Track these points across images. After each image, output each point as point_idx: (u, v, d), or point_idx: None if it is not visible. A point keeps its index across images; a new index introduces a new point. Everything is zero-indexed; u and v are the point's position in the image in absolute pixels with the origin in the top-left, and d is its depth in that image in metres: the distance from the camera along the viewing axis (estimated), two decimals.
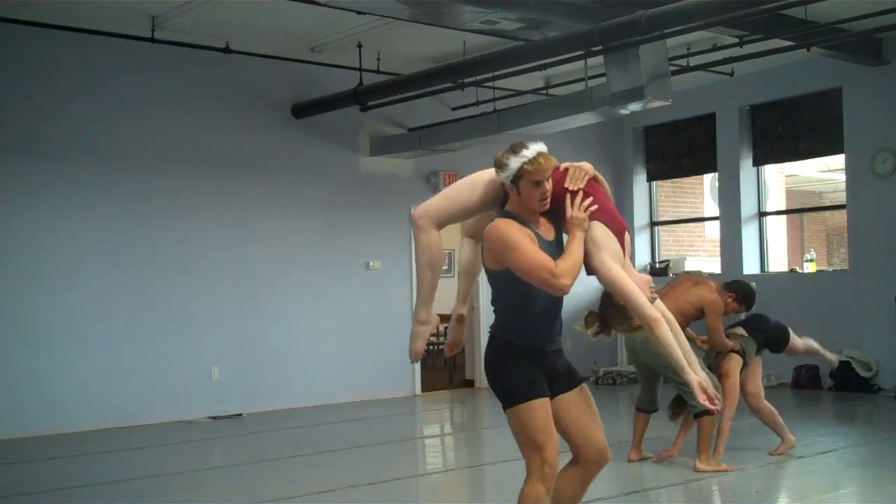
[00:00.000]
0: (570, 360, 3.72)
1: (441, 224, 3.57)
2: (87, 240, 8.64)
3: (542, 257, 3.34)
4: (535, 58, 8.01)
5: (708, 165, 11.78)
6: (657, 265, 12.20)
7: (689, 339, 6.57)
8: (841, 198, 11.23)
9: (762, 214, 11.26)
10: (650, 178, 12.47)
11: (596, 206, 3.48)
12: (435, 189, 10.41)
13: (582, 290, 3.46)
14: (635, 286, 3.40)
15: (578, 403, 3.60)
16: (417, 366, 10.66)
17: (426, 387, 10.94)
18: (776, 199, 12.81)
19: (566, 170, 3.53)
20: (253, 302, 9.58)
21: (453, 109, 10.76)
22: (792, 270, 11.19)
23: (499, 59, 8.25)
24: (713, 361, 6.53)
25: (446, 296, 3.87)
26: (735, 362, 6.44)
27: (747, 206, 11.13)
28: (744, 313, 6.99)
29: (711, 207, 13.03)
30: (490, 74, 8.89)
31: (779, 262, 11.82)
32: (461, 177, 3.75)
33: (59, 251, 8.48)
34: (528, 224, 3.46)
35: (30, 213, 8.37)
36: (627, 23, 6.98)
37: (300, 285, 9.92)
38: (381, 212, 10.54)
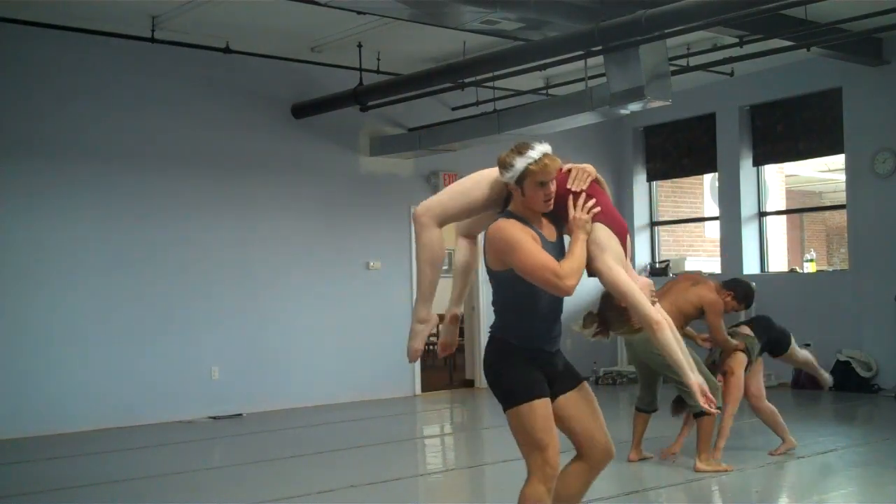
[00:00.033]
0: (571, 361, 3.72)
1: (443, 222, 3.56)
2: (87, 240, 8.64)
3: (546, 258, 3.33)
4: (535, 58, 8.01)
5: (708, 165, 11.78)
6: (657, 265, 12.21)
7: (690, 337, 6.63)
8: (841, 198, 11.23)
9: (762, 214, 11.26)
10: (650, 178, 12.47)
11: (599, 208, 3.48)
12: (435, 189, 10.40)
13: (581, 291, 3.45)
14: (638, 288, 3.40)
15: (580, 402, 3.60)
16: (417, 366, 10.67)
17: (426, 387, 10.94)
18: (776, 199, 12.81)
19: (568, 171, 3.54)
20: (253, 302, 9.58)
21: (453, 109, 10.76)
22: (792, 270, 11.19)
23: (499, 59, 8.24)
24: (718, 359, 6.54)
25: (446, 296, 3.86)
26: (740, 360, 6.45)
27: (747, 206, 11.13)
28: (744, 312, 6.99)
29: (711, 207, 13.03)
30: (490, 74, 8.89)
31: (779, 262, 11.83)
32: (461, 177, 3.74)
33: (59, 251, 8.48)
34: (532, 224, 3.46)
35: (30, 213, 8.37)
36: (627, 23, 6.98)
37: (300, 285, 9.92)
38: (381, 212, 10.54)
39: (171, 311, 9.06)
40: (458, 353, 12.15)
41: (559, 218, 3.54)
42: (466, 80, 9.11)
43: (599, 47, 7.49)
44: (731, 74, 10.20)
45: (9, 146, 8.29)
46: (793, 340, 6.81)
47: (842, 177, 10.96)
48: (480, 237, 3.85)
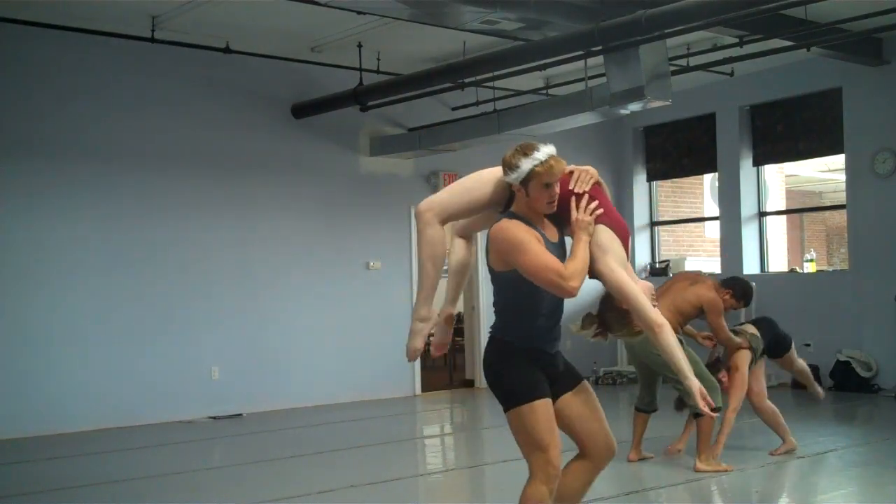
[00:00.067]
0: (571, 361, 3.72)
1: (446, 219, 3.54)
2: (87, 240, 8.64)
3: (550, 259, 3.33)
4: (535, 58, 8.01)
5: (708, 165, 11.78)
6: (657, 265, 12.20)
7: (690, 335, 6.63)
8: (841, 198, 11.23)
9: (762, 214, 11.26)
10: (650, 178, 12.47)
11: (601, 210, 3.48)
12: (434, 189, 10.40)
13: (580, 293, 3.45)
14: (640, 291, 3.41)
15: (581, 402, 3.61)
16: (417, 366, 10.68)
17: (426, 387, 10.94)
18: (776, 199, 12.81)
19: (570, 172, 3.53)
20: (253, 302, 9.58)
21: (453, 109, 10.76)
22: (792, 270, 11.19)
23: (499, 59, 8.24)
24: (723, 355, 6.55)
25: (442, 296, 3.85)
26: (744, 356, 6.45)
27: (747, 206, 11.13)
28: (744, 311, 7.00)
29: (711, 207, 13.03)
30: (490, 74, 8.89)
31: (779, 262, 11.83)
32: (461, 177, 3.73)
33: (59, 251, 8.48)
34: (535, 225, 3.45)
35: (30, 213, 8.37)
36: (627, 23, 6.98)
37: (300, 285, 9.92)
38: (381, 212, 10.54)
39: (171, 311, 9.06)
40: (458, 353, 12.18)
41: (561, 219, 3.54)
42: (466, 80, 9.10)
43: (599, 47, 7.48)
44: (731, 74, 10.20)
45: (9, 146, 8.29)
46: (793, 345, 6.83)
47: (842, 177, 10.96)
48: (479, 237, 3.85)
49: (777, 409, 6.66)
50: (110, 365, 8.65)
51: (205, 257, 9.30)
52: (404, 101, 9.76)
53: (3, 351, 8.16)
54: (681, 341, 5.82)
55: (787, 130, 10.84)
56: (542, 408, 3.45)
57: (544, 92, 10.78)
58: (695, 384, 3.42)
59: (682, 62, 9.26)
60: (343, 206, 10.28)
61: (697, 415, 6.06)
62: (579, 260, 3.36)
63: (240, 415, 9.27)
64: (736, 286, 6.62)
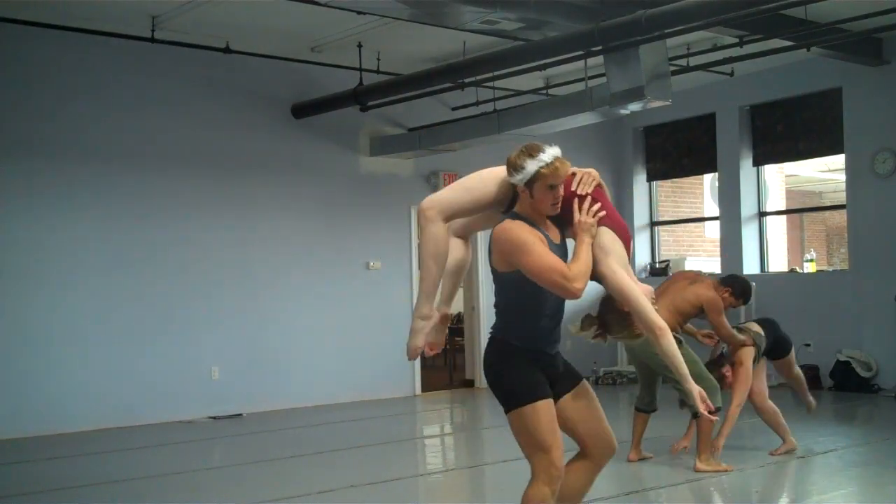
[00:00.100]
0: (571, 361, 3.72)
1: (449, 217, 3.52)
2: (87, 240, 8.64)
3: (554, 260, 3.33)
4: (535, 58, 8.01)
5: (708, 165, 11.78)
6: (657, 265, 12.20)
7: (691, 334, 6.64)
8: (841, 198, 11.23)
9: (762, 214, 11.26)
10: (650, 178, 12.47)
11: (604, 212, 3.48)
12: (434, 189, 10.40)
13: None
14: (642, 293, 3.41)
15: (582, 402, 3.61)
16: (417, 366, 10.68)
17: (426, 387, 10.94)
18: (776, 199, 12.81)
19: (573, 174, 3.53)
20: (253, 302, 9.58)
21: (453, 109, 10.76)
22: (792, 270, 11.19)
23: (499, 59, 8.24)
24: (727, 350, 6.55)
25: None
26: (749, 352, 6.46)
27: (747, 206, 11.13)
28: (743, 309, 7.00)
29: (711, 207, 13.03)
30: (490, 74, 8.89)
31: (779, 262, 11.83)
32: (461, 177, 3.73)
33: (59, 251, 8.48)
34: (538, 226, 3.45)
35: (30, 213, 8.37)
36: (627, 23, 6.98)
37: (300, 285, 9.92)
38: (381, 212, 10.54)
39: (171, 311, 9.06)
40: (458, 353, 12.18)
41: (563, 221, 3.54)
42: (466, 80, 9.10)
43: (599, 47, 7.48)
44: (731, 74, 10.20)
45: (9, 146, 8.29)
46: (793, 351, 6.84)
47: (842, 177, 10.96)
48: (477, 237, 3.85)
49: (778, 409, 6.67)
50: (110, 365, 8.65)
51: (205, 257, 9.30)
52: (404, 101, 9.76)
53: (3, 351, 8.16)
54: (680, 341, 5.85)
55: (787, 130, 10.84)
56: (544, 409, 3.44)
57: (544, 92, 10.78)
58: (694, 388, 3.42)
59: (682, 62, 9.26)
60: (343, 206, 10.28)
61: (697, 415, 6.06)
62: (582, 262, 3.36)
63: (240, 415, 9.27)
64: (735, 284, 6.63)
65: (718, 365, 6.46)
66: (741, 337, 6.46)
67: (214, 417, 9.12)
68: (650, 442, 6.71)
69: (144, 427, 8.60)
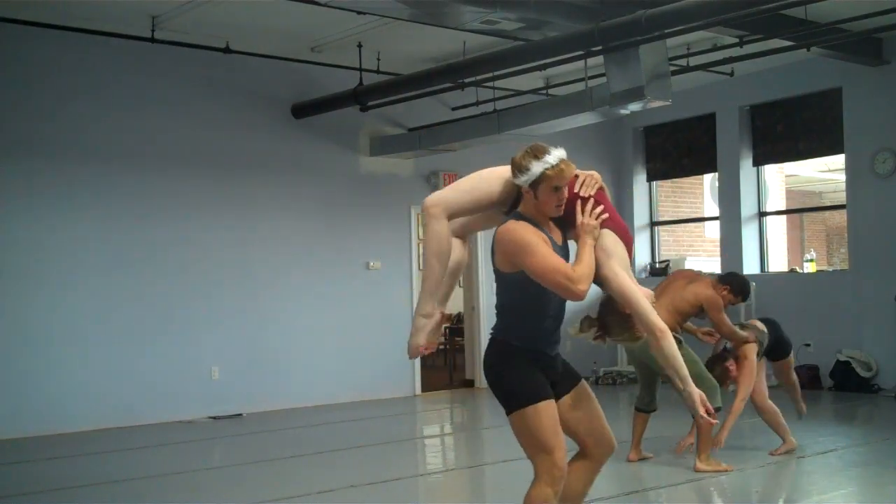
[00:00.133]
0: (571, 362, 3.72)
1: (452, 215, 3.51)
2: (87, 240, 8.64)
3: (559, 261, 3.33)
4: (535, 58, 8.01)
5: (708, 165, 11.78)
6: (657, 265, 12.20)
7: (690, 332, 6.63)
8: (841, 198, 11.23)
9: (762, 214, 11.26)
10: (650, 178, 12.47)
11: (607, 215, 3.48)
12: (435, 189, 10.40)
13: None
14: (643, 296, 3.41)
15: (582, 402, 3.61)
16: (417, 366, 10.68)
17: (426, 387, 10.94)
18: (776, 199, 12.81)
19: (575, 177, 3.53)
20: (253, 302, 9.58)
21: (453, 109, 10.76)
22: (792, 270, 11.19)
23: (499, 59, 8.24)
24: (730, 346, 6.55)
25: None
26: (752, 347, 6.45)
27: (747, 206, 11.13)
28: (743, 307, 6.99)
29: (711, 207, 13.03)
30: (490, 74, 8.89)
31: (779, 262, 11.83)
32: (461, 177, 3.72)
33: (59, 251, 8.48)
34: (541, 227, 3.45)
35: (30, 213, 8.37)
36: (627, 23, 6.98)
37: (300, 285, 9.92)
38: (381, 212, 10.54)
39: (171, 311, 9.06)
40: (458, 353, 12.18)
41: (565, 222, 3.54)
42: (466, 80, 9.11)
43: (599, 47, 7.49)
44: (731, 74, 10.20)
45: (9, 146, 8.29)
46: (792, 354, 6.85)
47: (842, 177, 10.96)
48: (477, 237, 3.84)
49: (778, 410, 6.67)
50: (110, 365, 8.65)
51: (205, 257, 9.30)
52: (404, 101, 9.76)
53: (3, 351, 8.16)
54: (680, 340, 5.85)
55: (787, 130, 10.84)
56: (546, 410, 3.44)
57: (544, 92, 10.78)
58: (695, 392, 3.42)
59: (682, 62, 9.26)
60: (343, 206, 10.28)
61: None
62: (585, 264, 3.36)
63: (240, 415, 9.27)
64: (733, 281, 6.63)
65: (722, 360, 6.46)
66: (743, 333, 6.46)
67: (214, 417, 9.12)
68: (650, 442, 6.71)
69: (144, 427, 8.60)
